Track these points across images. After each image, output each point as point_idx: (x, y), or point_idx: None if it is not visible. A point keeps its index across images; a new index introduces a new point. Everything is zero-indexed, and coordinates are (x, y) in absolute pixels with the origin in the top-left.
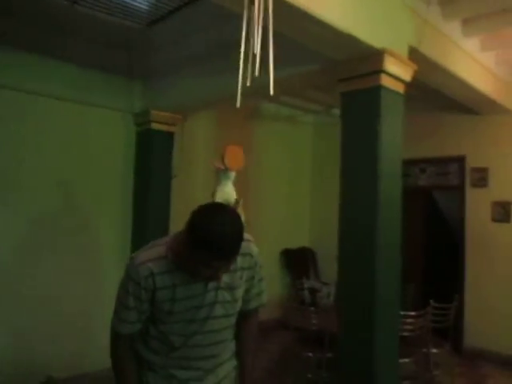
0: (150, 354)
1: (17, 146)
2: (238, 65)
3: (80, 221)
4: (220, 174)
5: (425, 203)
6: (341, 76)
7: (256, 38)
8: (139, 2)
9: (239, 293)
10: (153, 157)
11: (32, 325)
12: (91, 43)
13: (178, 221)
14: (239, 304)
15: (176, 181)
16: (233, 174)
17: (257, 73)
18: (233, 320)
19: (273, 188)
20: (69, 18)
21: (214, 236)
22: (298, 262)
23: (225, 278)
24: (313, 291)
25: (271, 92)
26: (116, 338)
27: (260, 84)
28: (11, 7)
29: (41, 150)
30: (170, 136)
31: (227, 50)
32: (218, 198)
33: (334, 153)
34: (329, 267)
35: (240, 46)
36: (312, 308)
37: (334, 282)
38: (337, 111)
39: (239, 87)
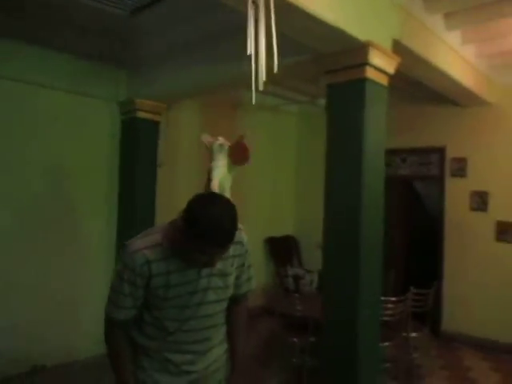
0: (144, 339)
1: (3, 133)
2: (227, 54)
3: (66, 209)
4: (214, 148)
5: (406, 192)
6: (327, 68)
7: (261, 36)
8: None
9: (231, 279)
10: (138, 145)
11: (20, 312)
12: (76, 31)
13: (164, 209)
14: (230, 290)
15: (161, 170)
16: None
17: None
18: (224, 305)
19: (258, 177)
20: (53, 4)
21: (211, 225)
22: (281, 249)
23: (217, 265)
24: (296, 278)
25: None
26: (111, 324)
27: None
28: None
29: (27, 137)
30: (155, 124)
31: (213, 39)
32: (215, 177)
33: (317, 142)
34: (312, 255)
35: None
36: (296, 295)
37: (317, 269)
38: (322, 101)
39: (253, 86)
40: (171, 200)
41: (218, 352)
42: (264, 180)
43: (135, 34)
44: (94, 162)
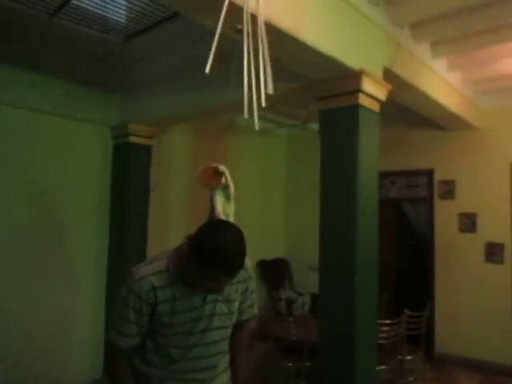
0: (147, 367)
1: None
2: (218, 80)
3: (57, 233)
4: (217, 190)
5: (394, 215)
6: (319, 94)
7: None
8: (117, 16)
9: (235, 305)
10: (130, 169)
11: (7, 337)
12: (69, 56)
13: (156, 233)
14: (235, 316)
15: (153, 193)
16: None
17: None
18: (229, 331)
19: (247, 200)
20: (46, 30)
21: (221, 253)
22: (273, 272)
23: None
24: (289, 302)
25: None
26: (114, 352)
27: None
28: None
29: (18, 161)
30: (147, 149)
31: (204, 65)
32: (218, 204)
33: (306, 165)
34: (303, 278)
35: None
36: (291, 318)
37: (309, 292)
38: (312, 125)
39: (255, 111)
40: (163, 223)
41: (221, 380)
42: (254, 203)
43: (128, 59)
44: (85, 185)
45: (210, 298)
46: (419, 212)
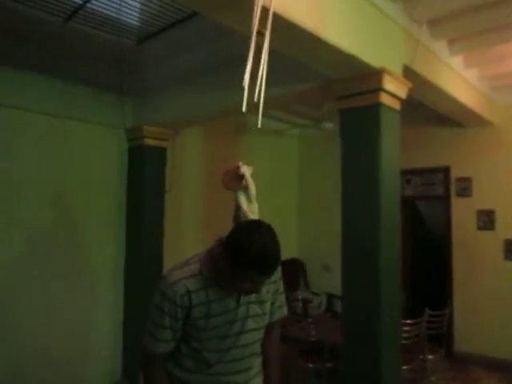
0: (182, 372)
1: (11, 160)
2: (233, 81)
3: (74, 235)
4: (239, 191)
5: (409, 213)
6: (339, 94)
7: (262, 66)
8: (131, 19)
9: (267, 306)
10: (146, 172)
11: (27, 340)
12: (83, 59)
13: (171, 234)
14: (268, 317)
15: (168, 195)
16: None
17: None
18: (262, 333)
19: (261, 200)
20: (60, 33)
21: (259, 254)
22: (288, 273)
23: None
24: (305, 302)
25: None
26: (150, 358)
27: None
28: (3, 24)
29: (37, 164)
30: (162, 151)
31: (219, 67)
32: (243, 204)
33: (320, 165)
34: (318, 278)
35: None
36: (310, 319)
37: (324, 292)
38: (327, 125)
39: (260, 110)
40: (179, 225)
41: (256, 382)
42: (267, 203)
43: (141, 61)
44: (102, 188)
45: (243, 300)
46: (435, 210)
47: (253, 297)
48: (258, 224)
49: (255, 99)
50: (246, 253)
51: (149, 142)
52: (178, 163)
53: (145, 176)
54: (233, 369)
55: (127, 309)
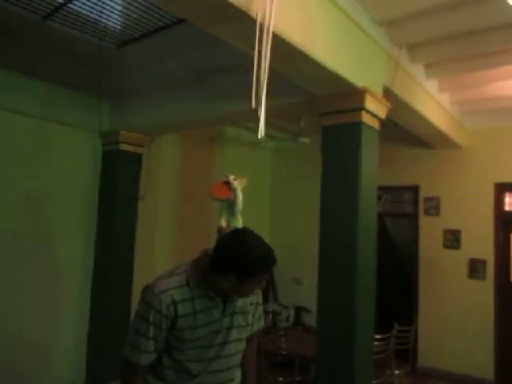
0: None
1: None
2: (214, 92)
3: (43, 237)
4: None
5: (379, 229)
6: (323, 110)
7: (263, 80)
8: (112, 22)
9: (250, 317)
10: (120, 177)
11: None
12: (60, 60)
13: (143, 242)
14: (250, 328)
15: (141, 202)
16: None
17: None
18: (244, 344)
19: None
20: (39, 32)
21: (262, 259)
22: None
23: (239, 303)
24: (274, 314)
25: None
26: (131, 369)
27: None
28: None
29: (4, 165)
30: (137, 157)
31: (199, 76)
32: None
33: (292, 178)
34: (287, 290)
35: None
36: (281, 332)
37: (293, 305)
38: (303, 139)
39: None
40: (151, 233)
41: None
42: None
43: (121, 65)
44: (73, 191)
45: (228, 310)
46: (402, 227)
47: (237, 307)
48: (243, 234)
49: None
50: (255, 265)
51: (124, 147)
52: (153, 170)
53: (118, 182)
54: (215, 380)
55: (93, 318)
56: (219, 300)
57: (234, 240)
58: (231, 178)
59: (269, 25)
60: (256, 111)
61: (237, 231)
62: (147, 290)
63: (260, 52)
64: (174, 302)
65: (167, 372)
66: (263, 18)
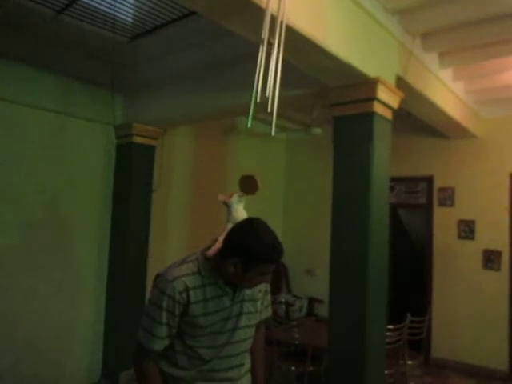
0: (175, 369)
1: None
2: (228, 83)
3: (58, 231)
4: (234, 202)
5: (392, 220)
6: (334, 101)
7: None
8: (124, 15)
9: (259, 304)
10: (134, 170)
11: (6, 339)
12: (74, 54)
13: (157, 233)
14: (258, 315)
15: (155, 194)
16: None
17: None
18: (253, 330)
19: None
20: (53, 27)
21: (270, 249)
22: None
23: (248, 291)
24: (287, 305)
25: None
26: (145, 355)
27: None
28: None
29: (19, 158)
30: (151, 149)
31: (214, 68)
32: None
33: (305, 169)
34: (300, 281)
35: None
36: (294, 322)
37: (306, 295)
38: (315, 130)
39: (274, 117)
40: (165, 224)
41: (248, 378)
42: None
43: (134, 58)
44: (87, 184)
45: (237, 298)
46: (416, 218)
47: (246, 295)
48: (254, 222)
49: (268, 109)
50: (259, 252)
51: (138, 139)
52: (166, 162)
53: (132, 174)
54: (226, 365)
55: (109, 308)
56: (229, 288)
57: (245, 226)
58: (235, 196)
59: (282, 17)
60: (267, 102)
61: (250, 219)
62: (160, 277)
63: (270, 44)
64: (187, 289)
65: (179, 357)
66: (274, 9)
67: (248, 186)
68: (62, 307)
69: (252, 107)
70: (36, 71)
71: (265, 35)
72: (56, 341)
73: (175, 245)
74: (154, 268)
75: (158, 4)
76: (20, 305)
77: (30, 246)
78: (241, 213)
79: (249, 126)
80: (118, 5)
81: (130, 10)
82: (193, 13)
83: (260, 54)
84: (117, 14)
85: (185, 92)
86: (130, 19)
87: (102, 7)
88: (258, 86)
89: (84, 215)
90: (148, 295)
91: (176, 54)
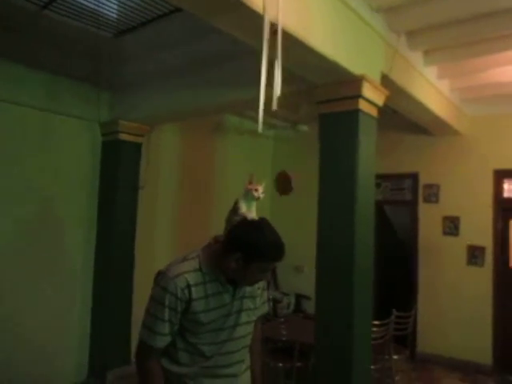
0: (177, 366)
1: None
2: (214, 81)
3: (44, 229)
4: (248, 195)
5: (378, 217)
6: (320, 98)
7: (277, 71)
8: (109, 11)
9: (258, 301)
10: (120, 167)
11: None
12: (59, 50)
13: (143, 231)
14: (257, 311)
15: (142, 192)
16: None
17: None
18: (252, 327)
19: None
20: (37, 23)
21: (273, 246)
22: None
23: (248, 288)
24: (274, 302)
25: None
26: (147, 352)
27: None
28: None
29: (4, 156)
30: (137, 147)
31: (200, 65)
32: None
33: (293, 166)
34: (288, 278)
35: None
36: (282, 319)
37: (294, 292)
38: (302, 127)
39: (261, 114)
40: (152, 222)
41: (248, 375)
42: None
43: (119, 55)
44: (73, 181)
45: (238, 294)
46: (403, 215)
47: (246, 291)
48: (260, 220)
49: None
50: (262, 249)
51: (124, 137)
52: (153, 160)
53: (118, 172)
54: (228, 361)
55: (95, 307)
56: (229, 285)
57: (250, 222)
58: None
59: (279, 20)
60: (254, 100)
61: (254, 219)
62: (161, 275)
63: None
64: (189, 286)
65: (181, 354)
66: (264, 9)
67: (284, 186)
68: (48, 306)
69: (260, 114)
70: (21, 68)
71: (265, 37)
72: (42, 340)
73: (163, 242)
74: (141, 266)
75: (142, 0)
76: (6, 303)
77: (16, 244)
78: (252, 212)
79: (259, 131)
80: (102, 0)
81: (115, 6)
82: (179, 9)
83: (263, 55)
84: (101, 9)
85: (171, 89)
86: (114, 15)
87: (86, 2)
88: (263, 91)
89: (71, 212)
90: (135, 295)
91: (162, 50)
